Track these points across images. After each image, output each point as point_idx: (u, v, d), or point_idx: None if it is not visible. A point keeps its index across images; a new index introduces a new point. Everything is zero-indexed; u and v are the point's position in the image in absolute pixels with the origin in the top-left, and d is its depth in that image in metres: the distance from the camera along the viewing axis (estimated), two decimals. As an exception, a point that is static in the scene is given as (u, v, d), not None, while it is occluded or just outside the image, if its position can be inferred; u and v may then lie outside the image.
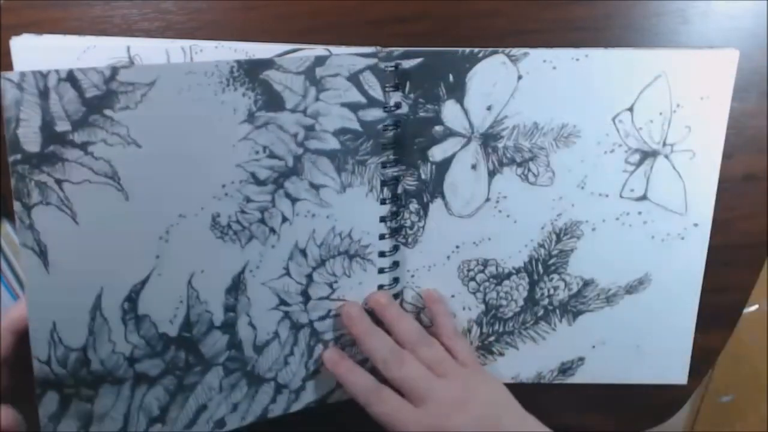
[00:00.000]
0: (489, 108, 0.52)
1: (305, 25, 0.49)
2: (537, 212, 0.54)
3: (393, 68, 0.50)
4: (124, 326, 0.46)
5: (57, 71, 0.39)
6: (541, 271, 0.56)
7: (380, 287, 0.55)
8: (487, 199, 0.54)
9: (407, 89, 0.51)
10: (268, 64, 0.45)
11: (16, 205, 0.40)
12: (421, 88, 0.51)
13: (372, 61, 0.49)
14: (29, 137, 0.39)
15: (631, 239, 0.55)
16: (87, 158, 0.41)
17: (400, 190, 0.53)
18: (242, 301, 0.50)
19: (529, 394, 0.56)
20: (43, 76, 0.39)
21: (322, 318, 0.54)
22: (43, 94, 0.39)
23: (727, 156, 0.53)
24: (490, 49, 0.51)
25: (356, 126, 0.50)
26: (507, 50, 0.51)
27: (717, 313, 0.57)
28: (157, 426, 0.50)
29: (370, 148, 0.51)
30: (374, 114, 0.50)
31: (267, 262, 0.50)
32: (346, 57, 0.48)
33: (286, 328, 0.53)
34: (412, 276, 0.56)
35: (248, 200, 0.48)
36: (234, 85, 0.44)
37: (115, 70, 0.41)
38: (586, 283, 0.56)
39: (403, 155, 0.52)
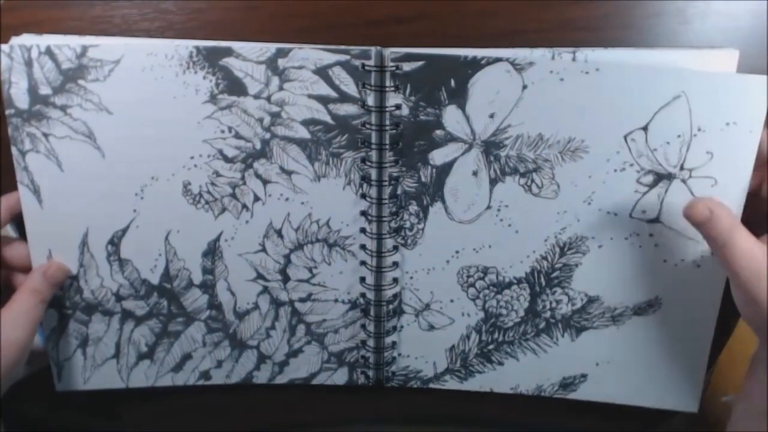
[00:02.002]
0: (492, 116, 0.46)
1: (305, 25, 0.47)
2: (540, 224, 0.48)
3: (394, 69, 0.46)
4: (109, 265, 0.50)
5: (38, 46, 0.45)
6: (543, 283, 0.49)
7: (362, 279, 0.52)
8: (488, 207, 0.48)
9: (408, 91, 0.46)
10: (226, 51, 0.46)
11: (14, 150, 0.47)
12: (421, 92, 0.46)
13: (343, 57, 0.46)
14: (19, 97, 0.45)
15: (640, 260, 0.47)
16: (66, 118, 0.46)
17: (399, 190, 0.49)
18: (219, 267, 0.51)
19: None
20: (27, 49, 0.44)
21: (303, 300, 0.52)
22: (28, 63, 0.45)
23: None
24: (494, 56, 0.45)
25: (327, 118, 0.47)
26: (512, 58, 0.44)
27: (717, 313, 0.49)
28: (145, 362, 0.54)
29: (345, 142, 0.48)
30: (347, 109, 0.47)
31: (242, 236, 0.50)
32: (310, 51, 0.45)
33: (266, 301, 0.52)
34: (411, 278, 0.51)
35: (218, 174, 0.49)
36: (194, 68, 0.46)
37: (84, 48, 0.45)
38: (591, 300, 0.49)
39: (403, 156, 0.48)
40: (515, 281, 0.50)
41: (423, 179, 0.49)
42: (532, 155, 0.46)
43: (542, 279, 0.49)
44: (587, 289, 0.49)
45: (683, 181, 0.45)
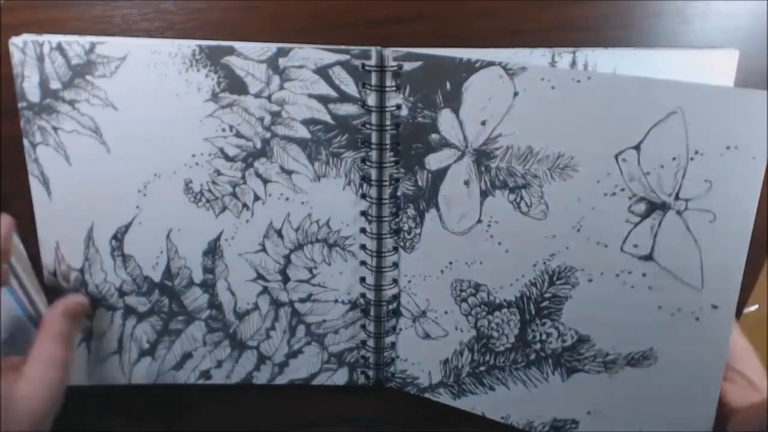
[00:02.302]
0: (483, 123, 0.43)
1: (304, 25, 0.47)
2: (529, 246, 0.44)
3: (395, 68, 0.45)
4: (113, 261, 0.51)
5: (49, 41, 0.46)
6: (533, 311, 0.46)
7: (362, 279, 0.51)
8: (479, 221, 0.45)
9: (407, 92, 0.46)
10: (228, 50, 0.46)
11: (25, 142, 0.47)
12: (420, 93, 0.45)
13: (343, 57, 0.46)
14: (31, 90, 0.46)
15: (633, 303, 0.42)
16: (75, 113, 0.47)
17: (399, 191, 0.48)
18: (219, 266, 0.51)
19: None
20: (39, 44, 0.46)
21: (303, 300, 0.52)
22: (40, 58, 0.46)
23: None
24: (488, 59, 0.43)
25: (327, 118, 0.47)
26: (504, 63, 0.42)
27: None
28: (147, 359, 0.54)
29: (345, 142, 0.48)
30: (347, 109, 0.47)
31: (242, 235, 0.50)
32: (311, 50, 0.45)
33: (266, 302, 0.52)
34: (409, 281, 0.50)
35: (218, 173, 0.49)
36: (197, 66, 0.47)
37: (93, 44, 0.46)
38: (581, 339, 0.45)
39: (402, 158, 0.47)
40: (505, 304, 0.46)
41: (420, 183, 0.48)
42: (521, 169, 0.43)
43: (531, 307, 0.46)
44: (578, 326, 0.45)
45: (678, 213, 0.40)
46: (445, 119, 0.45)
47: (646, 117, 0.39)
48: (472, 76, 0.43)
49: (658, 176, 0.40)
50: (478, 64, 0.43)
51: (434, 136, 0.46)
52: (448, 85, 0.45)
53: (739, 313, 0.49)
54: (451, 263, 0.48)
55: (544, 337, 0.46)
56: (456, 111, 0.44)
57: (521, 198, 0.44)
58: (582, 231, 0.43)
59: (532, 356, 0.47)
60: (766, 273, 0.50)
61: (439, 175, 0.46)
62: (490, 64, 0.42)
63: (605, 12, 0.46)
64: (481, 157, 0.44)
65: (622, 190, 0.41)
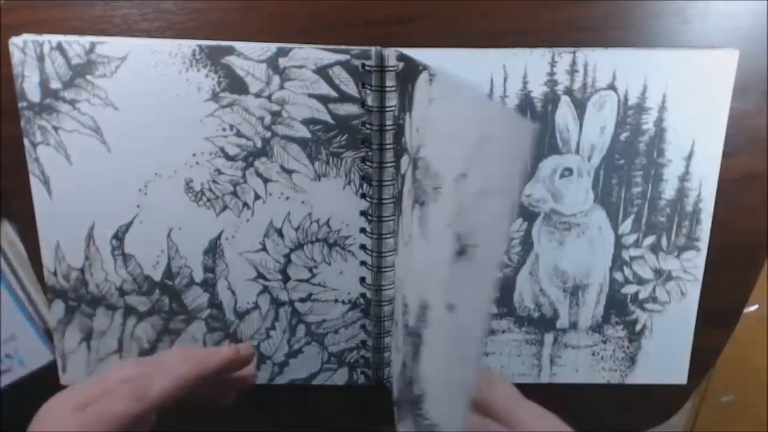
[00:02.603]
0: (417, 130, 0.40)
1: (305, 25, 0.47)
2: (418, 272, 0.40)
3: (396, 68, 0.45)
4: (113, 260, 0.51)
5: (49, 41, 0.46)
6: (411, 350, 0.40)
7: (362, 279, 0.51)
8: (410, 235, 0.41)
9: (399, 92, 0.45)
10: (228, 50, 0.46)
11: (26, 142, 0.47)
12: (402, 95, 0.45)
13: (343, 57, 0.46)
14: (31, 90, 0.46)
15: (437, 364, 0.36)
16: (75, 112, 0.47)
17: (396, 191, 0.48)
18: (220, 266, 0.51)
19: (527, 394, 0.47)
20: (39, 44, 0.46)
21: (303, 300, 0.52)
22: (40, 58, 0.46)
23: (727, 155, 0.46)
24: (424, 63, 0.39)
25: (327, 118, 0.47)
26: (430, 67, 0.38)
27: (717, 313, 0.50)
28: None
29: (345, 142, 0.48)
30: (347, 109, 0.47)
31: (242, 234, 0.50)
32: (311, 50, 0.45)
33: (266, 301, 0.52)
34: (397, 287, 0.50)
35: (219, 172, 0.49)
36: (197, 66, 0.47)
37: (93, 44, 0.46)
38: (419, 398, 0.39)
39: (397, 158, 0.47)
40: (410, 333, 0.41)
41: (398, 186, 0.46)
42: (423, 183, 0.38)
43: (410, 344, 0.40)
44: (421, 379, 0.38)
45: (470, 261, 0.32)
46: (407, 123, 0.43)
47: (470, 140, 0.32)
48: (417, 79, 0.40)
49: (467, 213, 0.32)
50: (420, 68, 0.39)
51: (404, 139, 0.44)
52: (410, 87, 0.42)
53: (738, 313, 0.50)
54: (401, 276, 0.46)
55: (410, 381, 0.41)
56: (411, 115, 0.42)
57: (421, 215, 0.39)
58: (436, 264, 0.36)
59: (411, 400, 0.41)
60: (766, 273, 0.50)
61: (403, 180, 0.44)
62: (424, 68, 0.39)
63: (605, 12, 0.45)
64: (414, 166, 0.40)
65: (447, 226, 0.34)
